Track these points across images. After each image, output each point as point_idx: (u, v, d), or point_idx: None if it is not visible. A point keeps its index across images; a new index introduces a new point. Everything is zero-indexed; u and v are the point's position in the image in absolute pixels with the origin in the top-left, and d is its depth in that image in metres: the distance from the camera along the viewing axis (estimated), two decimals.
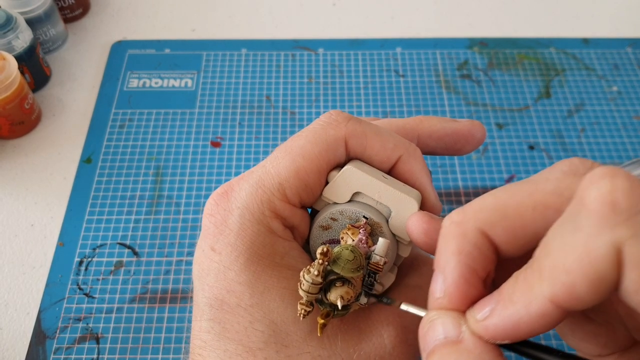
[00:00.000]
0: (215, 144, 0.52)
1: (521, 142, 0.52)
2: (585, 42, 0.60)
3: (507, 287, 0.19)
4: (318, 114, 0.54)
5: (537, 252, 0.18)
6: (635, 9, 0.64)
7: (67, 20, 0.61)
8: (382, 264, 0.24)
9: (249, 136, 0.53)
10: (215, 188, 0.49)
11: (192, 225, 0.47)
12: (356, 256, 0.24)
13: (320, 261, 0.23)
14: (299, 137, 0.27)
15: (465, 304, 0.20)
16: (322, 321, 0.24)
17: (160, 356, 0.40)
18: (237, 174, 0.50)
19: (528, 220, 0.19)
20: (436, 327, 0.20)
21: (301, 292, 0.23)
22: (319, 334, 0.24)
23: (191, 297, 0.43)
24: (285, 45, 0.60)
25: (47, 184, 0.49)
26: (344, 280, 0.23)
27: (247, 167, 0.50)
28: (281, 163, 0.26)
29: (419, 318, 0.22)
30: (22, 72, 0.51)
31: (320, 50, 0.59)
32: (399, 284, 0.28)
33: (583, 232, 0.17)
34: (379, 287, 0.27)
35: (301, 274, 0.23)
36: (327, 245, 0.23)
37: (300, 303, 0.23)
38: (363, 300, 0.24)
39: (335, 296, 0.23)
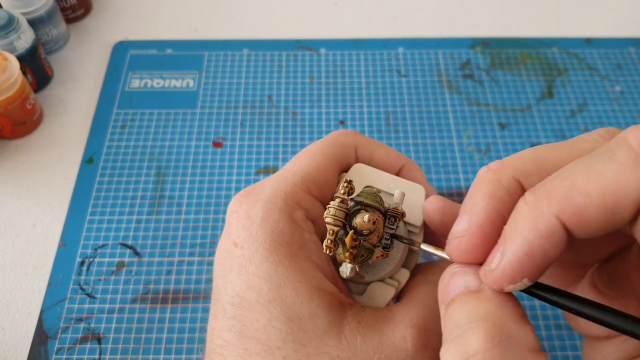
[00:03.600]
0: (216, 144, 0.52)
1: (523, 142, 0.52)
2: (588, 41, 0.60)
3: (507, 225, 0.19)
4: (320, 114, 0.54)
5: (543, 181, 0.19)
6: (638, 8, 0.63)
7: (69, 21, 0.61)
8: (400, 208, 0.25)
9: (251, 136, 0.52)
10: (217, 188, 0.49)
11: (193, 226, 0.47)
12: (377, 194, 0.25)
13: (345, 184, 0.24)
14: (315, 143, 0.29)
15: (484, 247, 0.20)
16: (350, 242, 0.24)
17: (162, 357, 0.40)
18: (238, 174, 0.50)
19: None
20: (457, 278, 0.21)
21: (328, 220, 0.24)
22: (348, 261, 0.24)
23: (193, 298, 0.43)
24: (287, 45, 0.60)
25: (49, 184, 0.49)
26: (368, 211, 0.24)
27: (249, 167, 0.50)
28: (302, 161, 0.28)
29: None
30: (24, 73, 0.52)
31: (322, 50, 0.59)
32: (423, 281, 0.28)
33: (617, 164, 0.17)
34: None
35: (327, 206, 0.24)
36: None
37: (327, 239, 0.24)
38: (377, 253, 0.25)
39: (361, 217, 0.24)
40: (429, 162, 0.50)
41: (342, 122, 0.53)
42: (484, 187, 0.21)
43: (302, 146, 0.52)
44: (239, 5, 0.64)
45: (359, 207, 0.24)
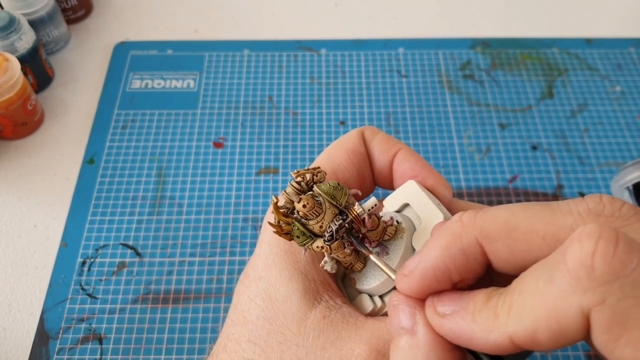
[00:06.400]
0: (217, 145, 0.52)
1: (524, 143, 0.52)
2: (588, 42, 0.60)
3: (476, 301, 0.20)
4: (320, 114, 0.54)
5: (514, 284, 0.19)
6: (638, 8, 0.64)
7: (70, 22, 0.61)
8: (358, 211, 0.24)
9: (252, 137, 0.53)
10: (218, 189, 0.49)
11: (194, 226, 0.47)
12: (337, 188, 0.24)
13: (312, 170, 0.25)
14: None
15: (422, 296, 0.21)
16: (278, 217, 0.24)
17: (163, 357, 0.40)
18: (239, 174, 0.50)
19: (533, 247, 0.19)
20: (398, 313, 0.22)
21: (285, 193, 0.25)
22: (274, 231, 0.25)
23: (194, 298, 0.43)
24: (288, 46, 0.60)
25: (50, 185, 0.50)
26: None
27: (250, 168, 0.50)
28: (318, 159, 0.30)
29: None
30: (25, 74, 0.52)
31: (323, 51, 0.59)
32: None
33: (555, 287, 0.17)
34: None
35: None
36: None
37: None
38: (319, 243, 0.24)
39: (297, 199, 0.24)
40: (430, 163, 0.50)
41: (343, 123, 0.54)
42: (445, 236, 0.21)
43: (303, 146, 0.52)
44: (239, 6, 0.64)
45: (318, 197, 0.24)
